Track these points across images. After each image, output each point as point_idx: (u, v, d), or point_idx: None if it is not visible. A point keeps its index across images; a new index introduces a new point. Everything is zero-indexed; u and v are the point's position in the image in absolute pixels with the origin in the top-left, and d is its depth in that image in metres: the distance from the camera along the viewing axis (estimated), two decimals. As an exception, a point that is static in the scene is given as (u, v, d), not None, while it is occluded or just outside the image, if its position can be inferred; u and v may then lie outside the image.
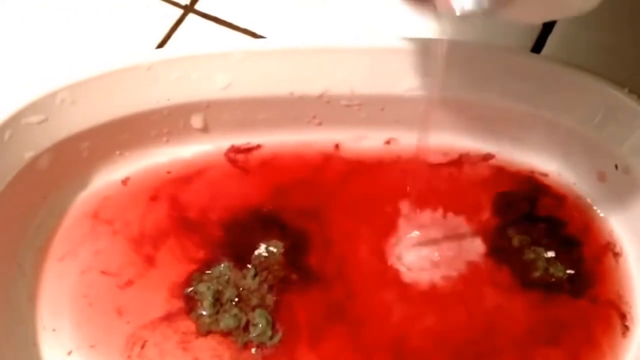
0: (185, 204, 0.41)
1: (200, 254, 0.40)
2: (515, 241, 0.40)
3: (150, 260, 0.40)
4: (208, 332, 0.38)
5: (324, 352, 0.37)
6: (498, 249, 0.40)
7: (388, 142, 0.43)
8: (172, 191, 0.42)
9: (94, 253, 0.40)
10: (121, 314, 0.38)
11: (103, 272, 0.39)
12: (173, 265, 0.40)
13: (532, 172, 0.42)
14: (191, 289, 0.39)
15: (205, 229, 0.41)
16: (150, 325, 0.38)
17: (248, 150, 0.43)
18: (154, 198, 0.42)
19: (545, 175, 0.42)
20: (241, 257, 0.40)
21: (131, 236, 0.40)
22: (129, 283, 0.39)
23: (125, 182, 0.42)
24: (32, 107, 0.37)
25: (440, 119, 0.41)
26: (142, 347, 0.37)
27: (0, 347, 0.36)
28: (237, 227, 0.41)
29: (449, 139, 0.43)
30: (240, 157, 0.43)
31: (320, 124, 0.42)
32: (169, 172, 0.42)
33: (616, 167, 0.39)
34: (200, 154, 0.43)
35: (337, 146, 0.43)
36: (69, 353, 0.37)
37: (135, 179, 0.42)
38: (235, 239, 0.40)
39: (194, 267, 0.39)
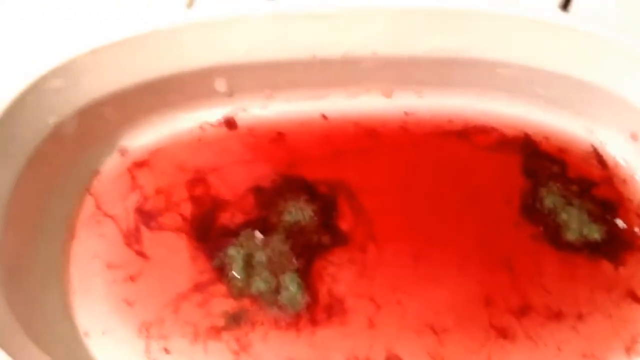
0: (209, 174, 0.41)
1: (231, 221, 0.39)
2: (548, 202, 0.40)
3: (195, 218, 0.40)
4: (240, 296, 0.37)
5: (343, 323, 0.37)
6: (531, 210, 0.40)
7: (407, 112, 0.42)
8: (199, 161, 0.41)
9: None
10: (131, 305, 0.37)
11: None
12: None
13: (564, 132, 0.42)
14: (222, 253, 0.38)
15: (229, 195, 0.40)
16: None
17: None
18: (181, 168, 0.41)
19: (577, 135, 0.41)
20: (269, 221, 0.39)
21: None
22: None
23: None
24: (55, 73, 0.36)
25: (468, 80, 0.41)
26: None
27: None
28: (265, 192, 0.40)
29: (477, 101, 0.42)
30: (260, 123, 0.42)
31: (343, 86, 0.42)
32: (199, 140, 0.42)
33: (647, 125, 0.39)
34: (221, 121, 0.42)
35: (359, 109, 0.42)
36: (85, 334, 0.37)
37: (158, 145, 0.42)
38: (264, 204, 0.40)
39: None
